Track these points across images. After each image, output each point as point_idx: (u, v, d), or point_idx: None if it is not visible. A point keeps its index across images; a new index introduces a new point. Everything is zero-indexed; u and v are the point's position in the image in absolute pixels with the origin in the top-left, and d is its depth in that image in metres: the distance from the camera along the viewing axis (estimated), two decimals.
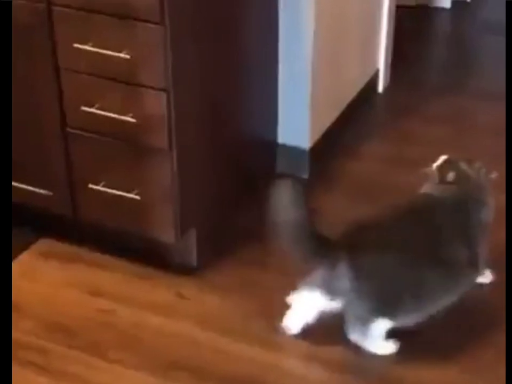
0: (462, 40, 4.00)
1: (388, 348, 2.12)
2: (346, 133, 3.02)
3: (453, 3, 4.19)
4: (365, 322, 2.07)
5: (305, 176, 2.80)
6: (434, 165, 2.29)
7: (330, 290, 2.05)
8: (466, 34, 4.06)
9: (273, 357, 2.13)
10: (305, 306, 2.13)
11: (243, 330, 2.19)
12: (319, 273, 2.08)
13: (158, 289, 2.32)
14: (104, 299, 2.28)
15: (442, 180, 2.27)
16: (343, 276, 2.04)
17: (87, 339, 2.16)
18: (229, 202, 2.56)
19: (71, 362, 2.10)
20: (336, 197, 2.72)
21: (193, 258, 2.39)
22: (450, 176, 2.27)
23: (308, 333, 2.15)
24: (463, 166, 2.29)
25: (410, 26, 3.87)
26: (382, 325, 2.08)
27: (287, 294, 2.18)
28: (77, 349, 2.13)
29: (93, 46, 2.06)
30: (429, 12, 4.16)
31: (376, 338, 2.10)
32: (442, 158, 2.31)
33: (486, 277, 2.32)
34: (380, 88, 3.37)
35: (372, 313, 2.06)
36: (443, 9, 4.18)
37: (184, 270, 2.37)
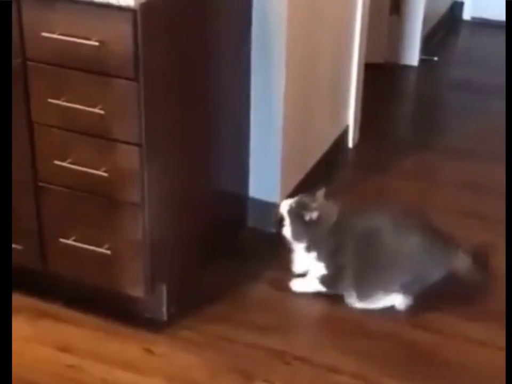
0: (429, 97, 4.08)
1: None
2: (317, 188, 3.04)
3: (421, 61, 4.29)
4: None
5: (275, 230, 2.81)
6: (284, 210, 2.42)
7: None
8: (433, 92, 4.15)
9: None
10: None
11: None
12: None
13: (127, 344, 2.30)
14: (72, 355, 2.25)
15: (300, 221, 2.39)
16: None
17: None
18: (200, 256, 2.55)
19: None
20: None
21: (163, 313, 2.37)
22: (314, 215, 2.38)
23: None
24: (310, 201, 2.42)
25: (379, 83, 3.94)
26: None
27: (257, 348, 2.17)
28: None
29: (66, 101, 2.07)
30: (397, 69, 4.25)
31: None
32: (286, 203, 2.44)
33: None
34: (350, 144, 3.42)
35: None
36: (411, 67, 4.27)
37: (153, 325, 2.35)
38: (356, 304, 2.43)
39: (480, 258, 2.53)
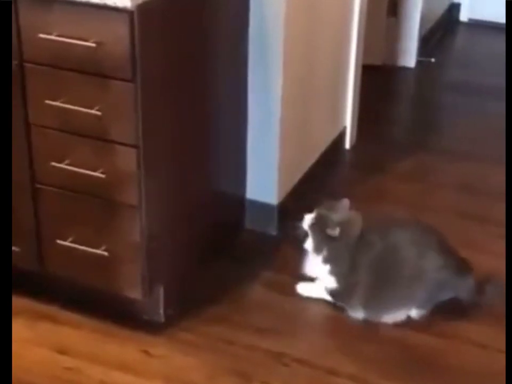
0: (427, 99, 4.08)
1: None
2: (314, 189, 3.05)
3: (418, 62, 4.29)
4: None
5: (274, 232, 2.80)
6: (306, 225, 2.39)
7: None
8: (431, 93, 4.15)
9: None
10: None
11: None
12: None
13: (124, 346, 2.29)
14: (70, 357, 2.25)
15: (323, 236, 2.36)
16: None
17: None
18: (197, 258, 2.55)
19: None
20: (303, 253, 2.72)
21: (160, 315, 2.37)
22: (336, 232, 2.35)
23: None
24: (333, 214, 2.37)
25: (377, 85, 3.94)
26: None
27: (256, 350, 2.16)
28: None
29: (64, 103, 2.07)
30: (395, 71, 4.25)
31: None
32: (308, 217, 2.39)
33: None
34: (347, 145, 3.41)
35: None
36: (408, 68, 4.28)
37: (151, 327, 2.35)
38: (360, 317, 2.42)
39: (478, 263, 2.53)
